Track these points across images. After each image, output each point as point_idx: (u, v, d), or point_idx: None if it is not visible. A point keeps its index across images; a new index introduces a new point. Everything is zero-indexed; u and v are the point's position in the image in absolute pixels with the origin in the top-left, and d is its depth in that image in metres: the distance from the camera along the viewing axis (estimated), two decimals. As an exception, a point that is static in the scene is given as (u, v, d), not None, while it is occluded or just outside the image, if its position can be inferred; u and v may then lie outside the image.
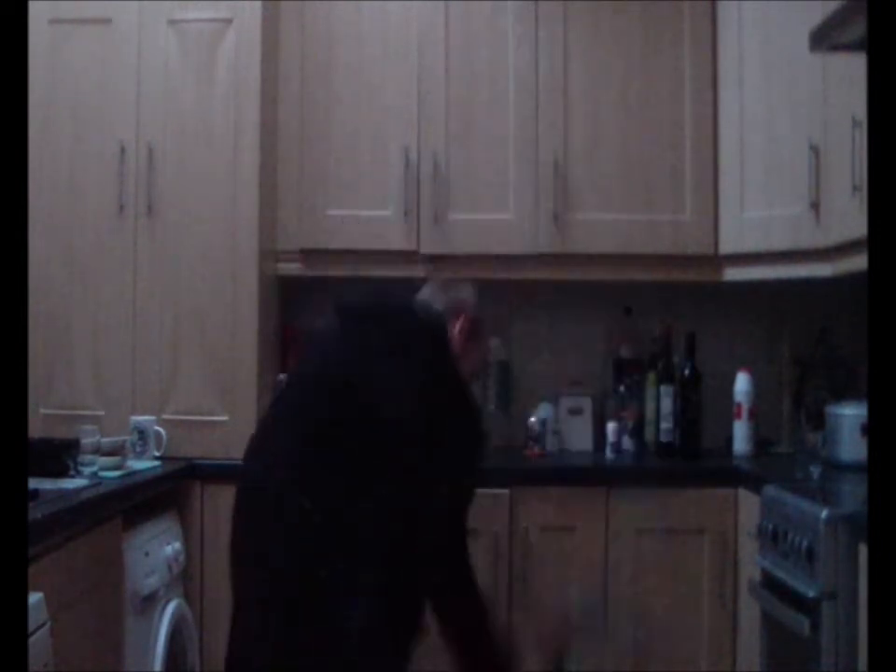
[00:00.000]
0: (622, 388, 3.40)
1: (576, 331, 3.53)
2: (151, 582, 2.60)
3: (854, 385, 3.19)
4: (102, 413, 3.02)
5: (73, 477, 2.55)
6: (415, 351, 2.07)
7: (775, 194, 3.06)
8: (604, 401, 3.41)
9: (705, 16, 3.23)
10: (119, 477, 2.65)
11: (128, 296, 3.05)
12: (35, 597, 1.90)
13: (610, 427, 3.26)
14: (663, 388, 3.26)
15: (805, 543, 2.21)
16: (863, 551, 2.05)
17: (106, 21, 3.07)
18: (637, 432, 3.33)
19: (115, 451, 2.74)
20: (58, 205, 3.07)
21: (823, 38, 2.49)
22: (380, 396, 1.99)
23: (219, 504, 2.95)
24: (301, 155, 3.24)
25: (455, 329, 2.20)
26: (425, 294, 2.29)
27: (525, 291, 3.50)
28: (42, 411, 3.02)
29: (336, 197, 3.24)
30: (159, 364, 3.05)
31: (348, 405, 2.00)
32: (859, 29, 2.31)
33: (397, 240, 3.22)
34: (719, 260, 3.23)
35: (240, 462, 3.00)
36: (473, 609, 2.16)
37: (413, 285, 2.30)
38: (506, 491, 2.94)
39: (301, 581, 1.94)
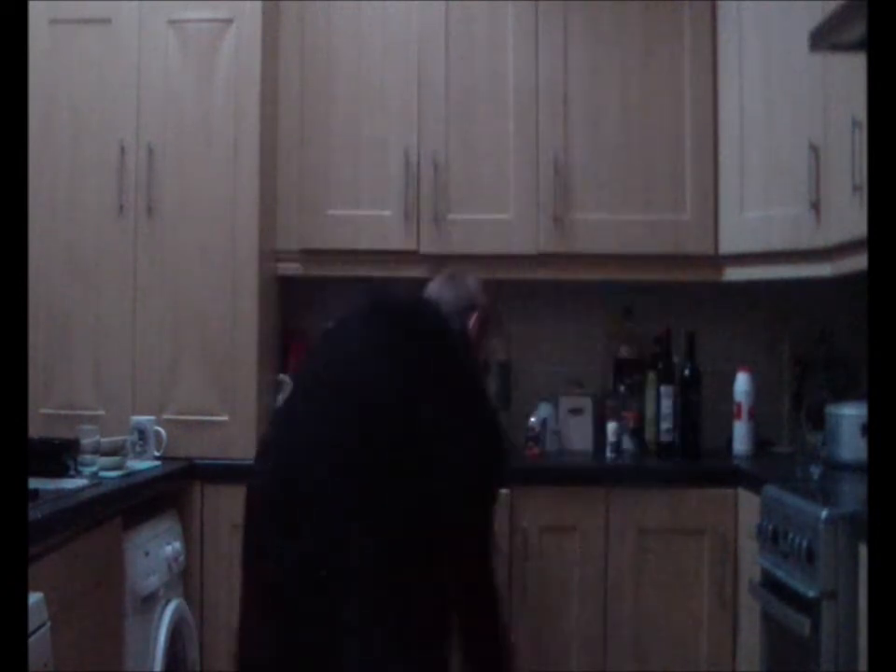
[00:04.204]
0: (622, 388, 3.40)
1: (576, 331, 3.53)
2: (151, 582, 2.60)
3: (854, 385, 3.19)
4: (102, 412, 3.03)
5: (73, 477, 2.55)
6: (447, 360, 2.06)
7: (775, 194, 3.06)
8: (604, 401, 3.41)
9: (705, 16, 3.23)
10: (119, 477, 2.65)
11: (128, 296, 3.06)
12: (34, 597, 1.90)
13: (610, 427, 3.26)
14: (663, 388, 3.26)
15: (805, 543, 2.21)
16: (863, 551, 2.05)
17: (106, 21, 3.07)
18: (637, 432, 3.33)
19: (115, 451, 2.74)
20: (58, 205, 3.07)
21: (823, 38, 2.49)
22: (424, 409, 1.98)
23: (219, 504, 2.96)
24: (301, 155, 3.24)
25: (471, 324, 2.20)
26: (433, 291, 2.28)
27: (525, 291, 3.50)
28: (42, 411, 3.02)
29: (336, 197, 3.24)
30: (159, 364, 3.05)
31: (387, 414, 1.98)
32: (859, 29, 2.31)
33: (397, 240, 3.22)
34: (719, 260, 3.23)
35: (240, 462, 2.99)
36: (489, 638, 2.13)
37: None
38: (506, 491, 2.94)
39: (303, 579, 1.94)
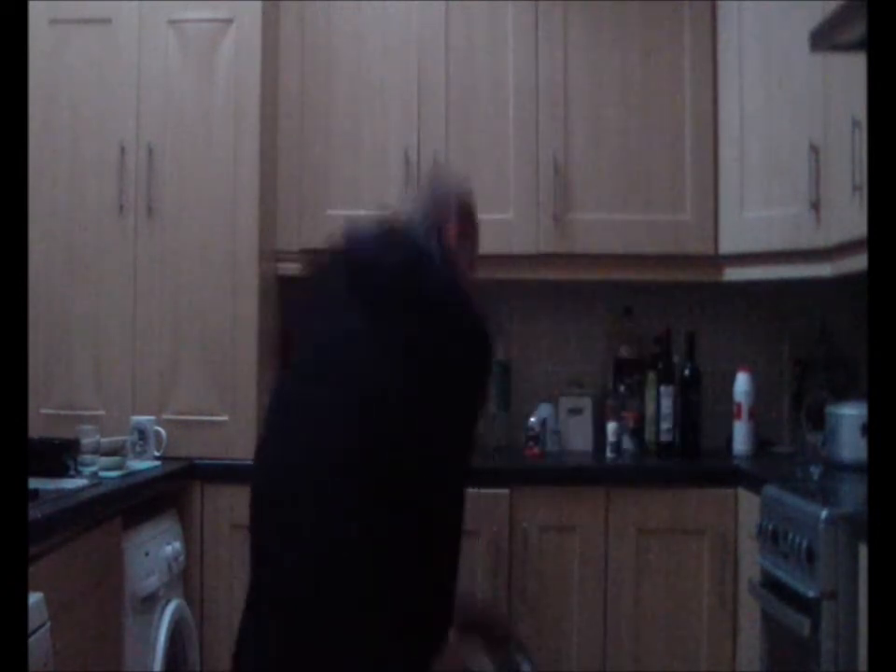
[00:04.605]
0: (622, 388, 3.40)
1: (576, 331, 3.53)
2: (151, 582, 2.60)
3: (854, 384, 3.19)
4: (102, 412, 3.03)
5: (73, 477, 2.55)
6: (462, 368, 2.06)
7: (775, 194, 3.06)
8: (604, 401, 3.40)
9: (705, 16, 3.23)
10: (119, 477, 2.65)
11: (128, 296, 3.05)
12: (34, 597, 1.90)
13: (610, 427, 3.26)
14: (663, 388, 3.26)
15: (805, 543, 2.21)
16: (863, 551, 2.05)
17: (106, 21, 3.07)
18: (637, 432, 3.33)
19: (115, 451, 2.74)
20: (58, 205, 3.07)
21: (823, 38, 2.49)
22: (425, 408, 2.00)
23: (219, 504, 2.96)
24: (301, 155, 3.24)
25: (449, 235, 2.21)
26: (408, 210, 2.28)
27: (524, 291, 3.50)
28: (42, 411, 3.02)
29: (336, 197, 3.24)
30: (159, 364, 3.05)
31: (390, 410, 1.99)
32: (859, 29, 2.30)
33: (397, 240, 3.22)
34: (719, 260, 3.23)
35: (240, 462, 2.99)
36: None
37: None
38: (506, 491, 2.94)
39: (302, 578, 1.94)
